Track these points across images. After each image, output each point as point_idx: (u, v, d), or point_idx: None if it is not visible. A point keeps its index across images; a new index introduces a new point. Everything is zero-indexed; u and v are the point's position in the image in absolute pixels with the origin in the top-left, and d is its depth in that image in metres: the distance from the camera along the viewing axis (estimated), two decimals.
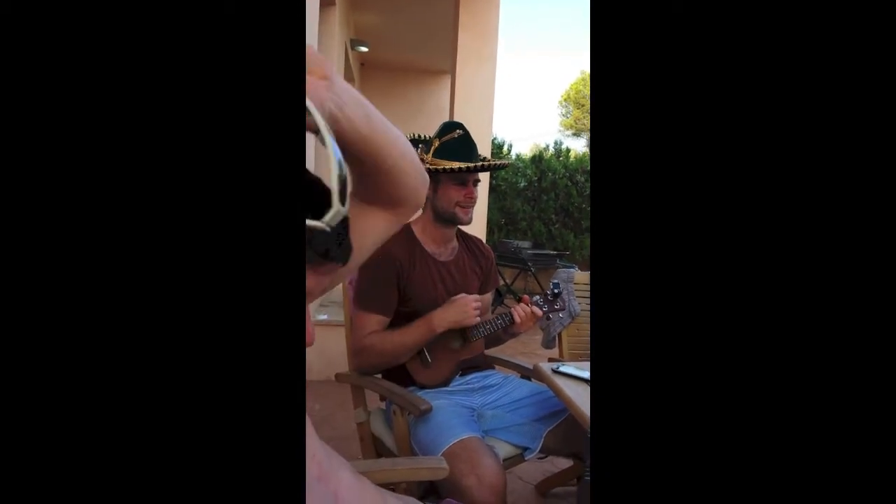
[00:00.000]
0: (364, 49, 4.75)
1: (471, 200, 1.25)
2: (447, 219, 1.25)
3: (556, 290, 1.24)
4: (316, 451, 0.52)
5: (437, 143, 1.25)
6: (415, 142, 1.33)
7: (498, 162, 1.30)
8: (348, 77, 4.54)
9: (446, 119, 1.39)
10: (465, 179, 1.23)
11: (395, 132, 0.48)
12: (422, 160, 1.26)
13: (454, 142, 1.24)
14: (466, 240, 1.39)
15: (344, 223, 0.37)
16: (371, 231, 0.53)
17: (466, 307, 1.18)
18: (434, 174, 1.23)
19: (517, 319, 1.22)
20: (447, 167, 1.20)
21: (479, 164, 1.22)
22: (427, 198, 1.28)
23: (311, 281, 0.39)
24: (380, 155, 0.46)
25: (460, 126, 1.26)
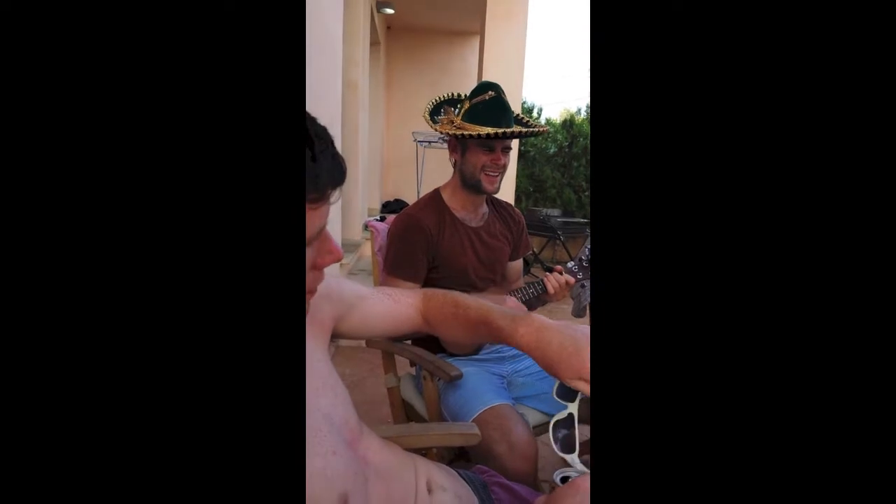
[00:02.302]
0: (390, 11, 4.62)
1: (497, 167, 1.19)
2: (472, 185, 1.21)
3: (591, 256, 1.20)
4: (350, 417, 0.52)
5: (467, 105, 1.20)
6: (449, 101, 1.28)
7: (528, 129, 1.21)
8: (374, 41, 4.45)
9: (474, 83, 1.33)
10: (492, 145, 1.17)
11: None
12: (451, 122, 1.22)
13: (484, 104, 1.18)
14: (497, 205, 1.36)
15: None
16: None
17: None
18: (461, 139, 1.19)
19: (550, 290, 1.19)
20: (472, 133, 1.15)
21: (506, 130, 1.15)
22: (455, 162, 1.25)
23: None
24: None
25: (493, 87, 1.20)
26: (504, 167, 1.21)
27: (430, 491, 0.55)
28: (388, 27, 5.69)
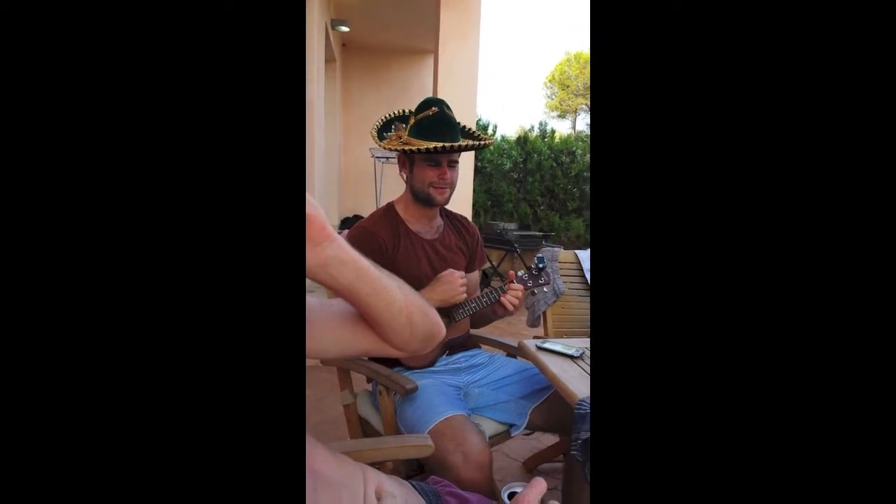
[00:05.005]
0: (345, 29, 4.64)
1: (444, 181, 1.21)
2: (424, 199, 1.23)
3: (540, 265, 1.23)
4: None
5: (412, 121, 1.22)
6: (400, 118, 1.29)
7: (473, 142, 1.22)
8: (329, 58, 4.45)
9: None
10: (438, 160, 1.20)
11: (388, 296, 0.51)
12: (398, 138, 1.24)
13: (429, 119, 1.20)
14: (451, 218, 1.38)
15: None
16: (356, 337, 0.57)
17: (453, 283, 1.17)
18: (409, 154, 1.21)
19: (509, 308, 1.21)
20: (418, 148, 1.18)
21: (450, 144, 1.16)
22: (405, 177, 1.26)
23: None
24: (363, 309, 0.52)
25: (437, 103, 1.22)
26: (451, 182, 1.23)
27: (378, 498, 0.55)
28: (344, 45, 5.70)
